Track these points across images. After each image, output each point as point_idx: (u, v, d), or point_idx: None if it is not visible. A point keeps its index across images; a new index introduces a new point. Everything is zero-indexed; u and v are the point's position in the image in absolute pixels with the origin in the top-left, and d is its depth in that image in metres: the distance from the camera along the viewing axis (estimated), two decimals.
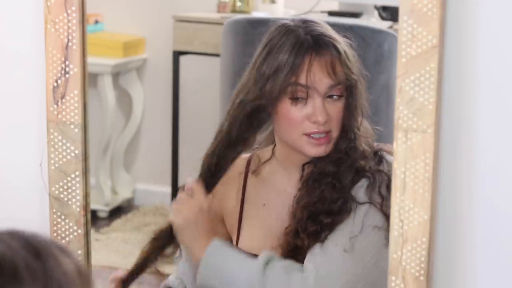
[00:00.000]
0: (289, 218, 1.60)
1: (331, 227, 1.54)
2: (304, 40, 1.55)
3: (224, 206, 1.69)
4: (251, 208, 1.66)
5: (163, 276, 1.87)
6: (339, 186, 1.57)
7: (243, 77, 1.60)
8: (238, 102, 1.58)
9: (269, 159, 1.67)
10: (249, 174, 1.68)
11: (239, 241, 1.65)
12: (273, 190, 1.66)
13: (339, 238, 1.53)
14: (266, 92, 1.55)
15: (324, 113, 1.54)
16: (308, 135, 1.56)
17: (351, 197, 1.56)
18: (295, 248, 1.57)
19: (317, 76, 1.54)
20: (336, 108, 1.57)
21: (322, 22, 1.61)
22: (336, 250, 1.52)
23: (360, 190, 1.56)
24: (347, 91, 1.57)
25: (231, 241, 1.66)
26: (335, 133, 1.58)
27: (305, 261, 1.53)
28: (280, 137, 1.62)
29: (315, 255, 1.52)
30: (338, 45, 1.57)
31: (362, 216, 1.54)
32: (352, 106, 1.58)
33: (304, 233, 1.55)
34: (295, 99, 1.55)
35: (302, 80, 1.54)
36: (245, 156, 1.68)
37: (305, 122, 1.55)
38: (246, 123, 1.57)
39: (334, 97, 1.56)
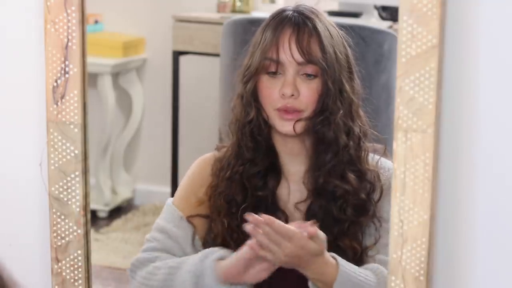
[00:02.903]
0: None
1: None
2: (284, 18, 1.61)
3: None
4: None
5: None
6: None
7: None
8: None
9: None
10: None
11: None
12: None
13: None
14: (248, 67, 1.63)
15: (291, 87, 1.58)
16: (279, 109, 1.59)
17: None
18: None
19: (288, 51, 1.58)
20: (309, 87, 1.59)
21: (317, 10, 1.65)
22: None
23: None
24: (324, 73, 1.59)
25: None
26: (307, 113, 1.60)
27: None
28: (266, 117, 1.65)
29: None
30: (318, 26, 1.60)
31: None
32: (329, 89, 1.60)
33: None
34: (271, 74, 1.60)
35: (274, 54, 1.59)
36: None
37: (277, 97, 1.59)
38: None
39: (310, 76, 1.59)
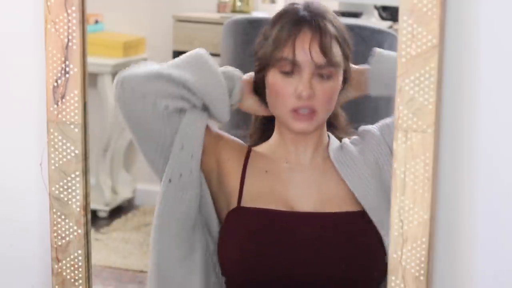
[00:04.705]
0: None
1: None
2: (301, 17, 1.59)
3: (226, 168, 1.68)
4: (254, 173, 1.67)
5: None
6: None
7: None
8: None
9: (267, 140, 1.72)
10: (251, 152, 1.71)
11: (242, 199, 1.65)
12: (273, 161, 1.68)
13: None
14: (258, 62, 1.63)
15: (308, 88, 1.57)
16: (294, 110, 1.59)
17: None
18: None
19: (308, 53, 1.57)
20: (324, 88, 1.59)
21: (326, 7, 1.65)
22: None
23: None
24: (337, 74, 1.60)
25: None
26: (320, 114, 1.61)
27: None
28: (272, 111, 1.66)
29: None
30: (335, 26, 1.60)
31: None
32: (340, 89, 1.63)
33: None
34: (285, 73, 1.59)
35: (290, 55, 1.57)
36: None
37: (291, 97, 1.59)
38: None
39: (324, 76, 1.59)
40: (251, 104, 1.69)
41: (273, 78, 1.61)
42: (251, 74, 1.68)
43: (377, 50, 1.66)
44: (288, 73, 1.59)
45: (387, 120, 1.67)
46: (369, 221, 1.60)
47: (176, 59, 1.65)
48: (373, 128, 1.68)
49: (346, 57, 1.62)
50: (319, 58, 1.57)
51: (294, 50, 1.57)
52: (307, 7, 1.62)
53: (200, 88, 1.59)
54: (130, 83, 1.60)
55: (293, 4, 1.64)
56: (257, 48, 1.65)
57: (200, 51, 1.66)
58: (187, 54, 1.67)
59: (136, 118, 1.60)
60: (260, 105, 1.68)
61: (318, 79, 1.59)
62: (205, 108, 1.62)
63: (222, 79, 1.62)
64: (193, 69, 1.62)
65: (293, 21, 1.59)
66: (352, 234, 1.61)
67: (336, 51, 1.59)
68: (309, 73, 1.58)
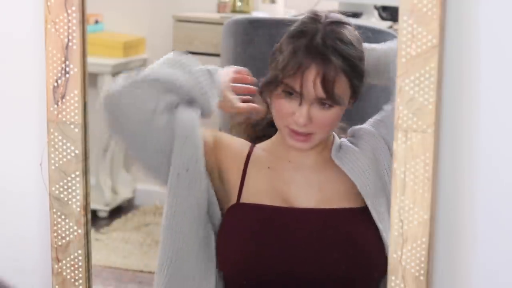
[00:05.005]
0: None
1: None
2: (315, 46, 1.57)
3: (225, 165, 1.68)
4: (255, 170, 1.67)
5: None
6: None
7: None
8: None
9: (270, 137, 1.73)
10: (254, 149, 1.71)
11: (242, 196, 1.66)
12: (277, 158, 1.69)
13: None
14: (264, 80, 1.63)
15: (305, 117, 1.58)
16: (292, 129, 1.60)
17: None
18: None
19: (311, 89, 1.56)
20: (324, 116, 1.59)
21: (350, 28, 1.64)
22: None
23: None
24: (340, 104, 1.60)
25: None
26: (318, 135, 1.62)
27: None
28: (274, 119, 1.67)
29: None
30: (348, 55, 1.58)
31: None
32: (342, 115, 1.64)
33: None
34: (288, 93, 1.59)
35: (297, 86, 1.57)
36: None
37: (290, 117, 1.59)
38: None
39: (326, 105, 1.59)
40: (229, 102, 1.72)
41: (278, 93, 1.61)
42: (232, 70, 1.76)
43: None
44: (291, 94, 1.58)
45: (377, 117, 1.69)
46: (369, 217, 1.61)
47: (150, 65, 1.65)
48: (365, 125, 1.70)
49: (356, 82, 1.60)
50: (320, 93, 1.56)
51: (300, 82, 1.56)
52: (323, 29, 1.59)
53: (183, 83, 1.60)
54: (115, 99, 1.58)
55: (315, 18, 1.62)
56: (271, 58, 1.64)
57: (170, 54, 1.67)
58: (159, 60, 1.67)
59: (131, 132, 1.59)
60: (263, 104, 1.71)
61: (319, 107, 1.58)
62: (191, 102, 1.63)
63: (200, 75, 1.64)
64: (170, 68, 1.62)
65: (306, 49, 1.56)
66: (352, 231, 1.61)
67: (340, 86, 1.57)
68: (309, 103, 1.58)
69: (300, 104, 1.58)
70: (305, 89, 1.56)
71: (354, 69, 1.59)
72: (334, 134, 1.71)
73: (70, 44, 1.51)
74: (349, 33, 1.62)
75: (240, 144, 1.72)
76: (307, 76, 1.56)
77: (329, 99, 1.57)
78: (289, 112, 1.59)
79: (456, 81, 1.37)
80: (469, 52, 1.37)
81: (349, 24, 1.64)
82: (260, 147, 1.72)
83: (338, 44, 1.58)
